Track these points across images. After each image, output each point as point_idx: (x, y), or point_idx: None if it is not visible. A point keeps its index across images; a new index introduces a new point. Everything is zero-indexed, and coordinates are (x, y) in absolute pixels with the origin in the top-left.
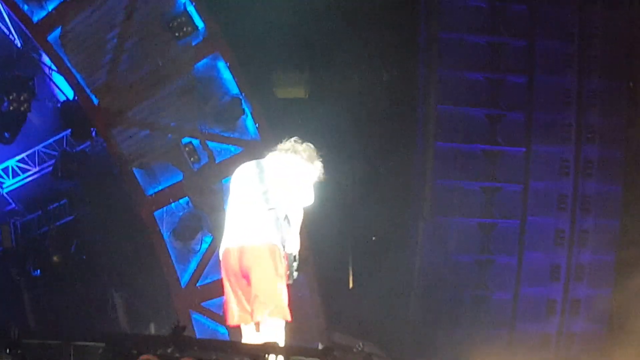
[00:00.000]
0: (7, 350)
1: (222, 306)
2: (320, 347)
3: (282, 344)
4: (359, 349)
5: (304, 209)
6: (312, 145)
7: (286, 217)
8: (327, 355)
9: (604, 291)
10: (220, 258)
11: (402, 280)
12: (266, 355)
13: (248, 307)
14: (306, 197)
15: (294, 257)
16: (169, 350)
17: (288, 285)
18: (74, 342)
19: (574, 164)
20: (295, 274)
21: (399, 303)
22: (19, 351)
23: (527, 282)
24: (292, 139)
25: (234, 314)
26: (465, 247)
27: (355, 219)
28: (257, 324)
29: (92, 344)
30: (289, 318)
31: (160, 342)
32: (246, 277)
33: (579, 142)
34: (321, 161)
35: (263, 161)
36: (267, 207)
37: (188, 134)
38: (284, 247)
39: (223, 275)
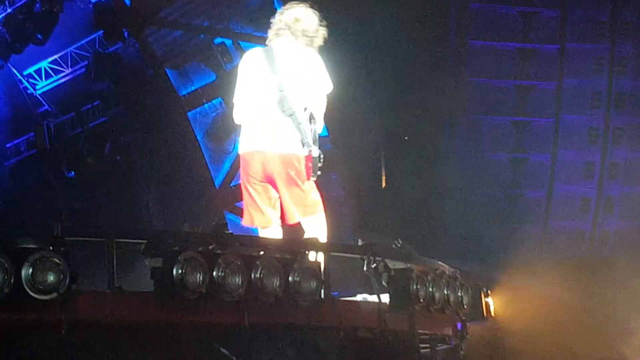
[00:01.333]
0: (51, 247)
1: None
2: (360, 243)
3: (323, 239)
4: (398, 245)
5: (327, 96)
6: (313, 14)
7: (310, 115)
8: (368, 251)
9: (638, 189)
10: (241, 159)
11: (436, 179)
12: (306, 252)
13: (270, 211)
14: (324, 84)
15: (319, 157)
16: (210, 247)
17: (318, 184)
18: (116, 239)
19: (608, 61)
20: (318, 172)
21: (432, 203)
22: (62, 248)
23: (561, 180)
24: (295, 9)
25: (253, 217)
26: (499, 146)
27: (387, 118)
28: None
29: (133, 241)
30: (321, 211)
31: (201, 238)
32: (271, 182)
33: (614, 38)
34: (325, 25)
35: (273, 51)
36: (286, 113)
37: (220, 34)
38: (309, 150)
39: (242, 177)
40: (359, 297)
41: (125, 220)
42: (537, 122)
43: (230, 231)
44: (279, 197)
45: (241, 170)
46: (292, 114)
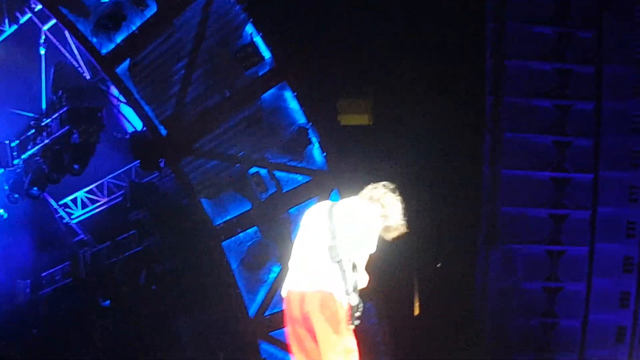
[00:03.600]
0: None
1: None
2: None
3: None
4: None
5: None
6: (394, 194)
7: (353, 265)
8: None
9: None
10: (283, 300)
11: (470, 306)
12: None
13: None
14: (371, 246)
15: (357, 306)
16: None
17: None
18: None
19: None
20: (357, 322)
21: (466, 329)
22: None
23: (596, 309)
24: (377, 186)
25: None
26: (533, 274)
27: (421, 245)
28: None
29: None
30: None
31: None
32: (307, 323)
33: None
34: (404, 210)
35: (336, 208)
36: (334, 259)
37: (255, 164)
38: (348, 296)
39: (286, 321)
40: None
41: (161, 350)
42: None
43: None
44: (316, 343)
45: (285, 312)
46: (339, 261)
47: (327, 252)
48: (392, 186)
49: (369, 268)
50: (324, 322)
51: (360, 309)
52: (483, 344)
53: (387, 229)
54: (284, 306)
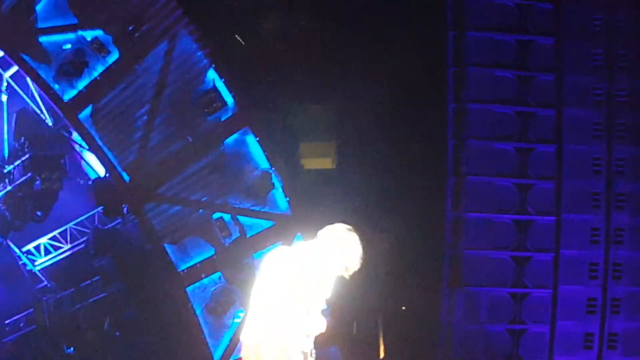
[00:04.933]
0: None
1: None
2: None
3: None
4: None
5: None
6: (354, 233)
7: (308, 311)
8: None
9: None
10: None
11: (435, 349)
12: None
13: None
14: (328, 290)
15: (310, 352)
16: None
17: None
18: None
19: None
20: None
21: None
22: None
23: (560, 351)
24: (336, 227)
25: None
26: (497, 316)
27: (385, 288)
28: None
29: None
30: None
31: None
32: None
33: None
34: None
35: (294, 252)
36: (289, 306)
37: (219, 209)
38: (302, 342)
39: None
40: None
41: None
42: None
43: None
44: None
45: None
46: (294, 308)
47: (282, 299)
48: (349, 226)
49: (333, 312)
50: None
51: (314, 355)
52: None
53: (347, 269)
54: (242, 353)
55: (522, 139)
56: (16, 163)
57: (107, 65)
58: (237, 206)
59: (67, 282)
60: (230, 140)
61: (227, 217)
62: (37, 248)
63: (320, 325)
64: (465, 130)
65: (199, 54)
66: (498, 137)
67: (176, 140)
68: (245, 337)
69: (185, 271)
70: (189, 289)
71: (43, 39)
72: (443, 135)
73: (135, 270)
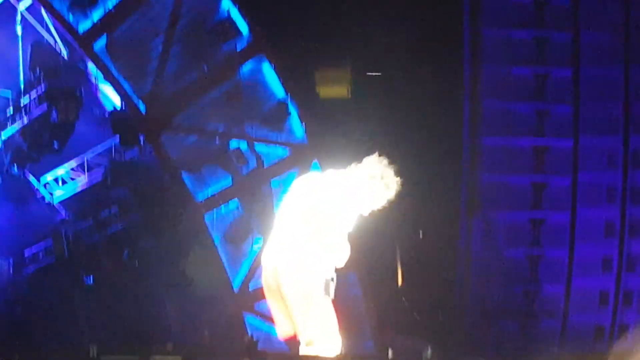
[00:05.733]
0: None
1: None
2: (390, 354)
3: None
4: (428, 355)
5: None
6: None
7: (332, 238)
8: None
9: None
10: (263, 270)
11: (453, 276)
12: None
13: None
14: (352, 221)
15: (332, 279)
16: None
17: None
18: (151, 355)
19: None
20: (332, 293)
21: (448, 301)
22: None
23: (579, 275)
24: (374, 161)
25: (279, 329)
26: (515, 242)
27: (402, 216)
28: None
29: (170, 357)
30: (332, 341)
31: (234, 356)
32: (281, 294)
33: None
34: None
35: (324, 181)
36: (314, 234)
37: (236, 138)
38: (323, 268)
39: (264, 288)
40: None
41: (146, 326)
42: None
43: (247, 335)
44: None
45: (262, 279)
46: (318, 234)
47: (306, 226)
48: (386, 160)
49: (352, 240)
50: (297, 294)
51: (335, 281)
52: (466, 313)
53: (374, 203)
54: (262, 277)
55: (539, 62)
56: (32, 95)
57: None
58: (253, 135)
59: (85, 213)
60: (245, 69)
61: (243, 146)
62: (54, 180)
63: (342, 252)
64: (482, 56)
65: None
66: (515, 61)
67: (192, 70)
68: (266, 262)
69: (203, 201)
70: (207, 219)
71: None
72: (459, 62)
73: (153, 200)
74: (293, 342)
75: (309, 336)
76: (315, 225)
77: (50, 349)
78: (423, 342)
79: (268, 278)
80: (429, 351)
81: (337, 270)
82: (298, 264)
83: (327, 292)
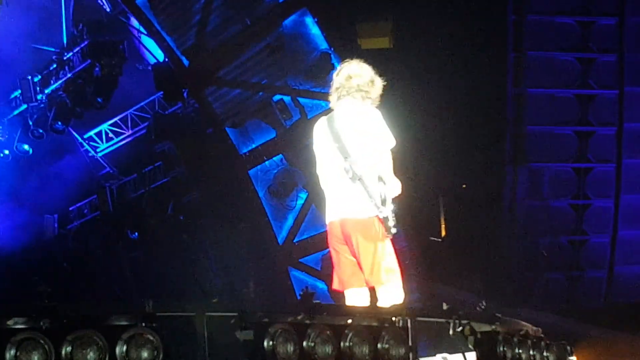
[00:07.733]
0: (143, 324)
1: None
2: (444, 306)
3: (399, 301)
4: (482, 307)
5: (392, 150)
6: (364, 68)
7: (380, 178)
8: (453, 315)
9: None
10: (327, 229)
11: (497, 227)
12: (392, 318)
13: (353, 274)
14: (386, 141)
15: (388, 218)
16: (299, 317)
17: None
18: (207, 312)
19: None
20: (393, 230)
21: (493, 251)
22: (154, 324)
23: (625, 224)
24: (346, 67)
25: (340, 280)
26: (561, 191)
27: (446, 167)
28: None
29: (224, 314)
30: (395, 280)
31: (290, 309)
32: (350, 246)
33: None
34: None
35: (334, 117)
36: (353, 179)
37: (279, 91)
38: (379, 209)
39: (330, 244)
40: (439, 357)
41: (190, 280)
42: (598, 167)
43: (292, 288)
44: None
45: (328, 236)
46: (359, 179)
47: (346, 174)
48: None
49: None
50: (365, 246)
51: (392, 220)
52: (512, 264)
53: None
54: (328, 235)
55: (583, 12)
56: (75, 50)
57: None
58: (297, 88)
59: (130, 168)
60: (288, 22)
61: (287, 98)
62: (98, 135)
63: (396, 187)
64: (526, 7)
65: None
66: (559, 12)
67: (234, 23)
68: (329, 221)
69: (247, 154)
70: (251, 172)
71: None
72: (503, 11)
73: (197, 154)
74: (341, 295)
75: (379, 278)
76: (350, 168)
77: (106, 304)
78: (470, 294)
79: (334, 231)
80: (483, 303)
81: (394, 201)
82: (358, 216)
83: (388, 231)
